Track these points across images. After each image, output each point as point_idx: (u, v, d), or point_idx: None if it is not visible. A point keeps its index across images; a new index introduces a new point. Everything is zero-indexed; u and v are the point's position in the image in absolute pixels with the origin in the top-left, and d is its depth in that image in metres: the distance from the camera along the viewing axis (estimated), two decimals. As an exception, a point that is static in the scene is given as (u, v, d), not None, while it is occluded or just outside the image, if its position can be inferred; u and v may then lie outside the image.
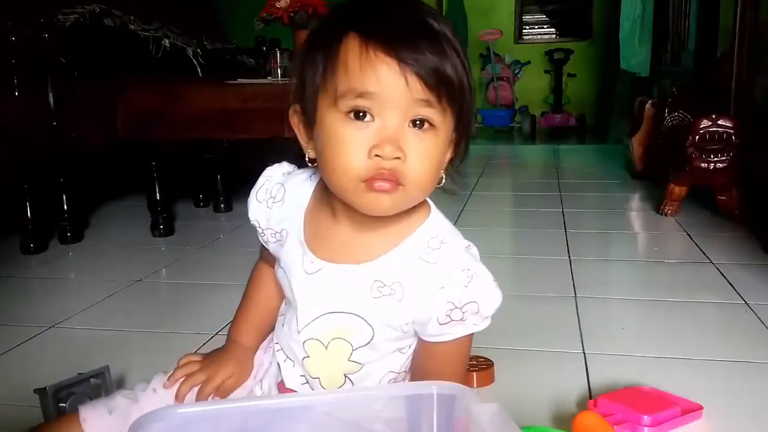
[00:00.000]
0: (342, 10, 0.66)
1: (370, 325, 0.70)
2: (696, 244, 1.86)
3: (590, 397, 0.95)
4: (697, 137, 2.04)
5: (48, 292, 1.56)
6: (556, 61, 5.95)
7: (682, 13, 3.32)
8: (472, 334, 0.71)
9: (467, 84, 0.65)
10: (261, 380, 0.83)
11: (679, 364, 1.08)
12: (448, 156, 0.69)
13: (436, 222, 0.72)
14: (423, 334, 0.71)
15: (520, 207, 2.67)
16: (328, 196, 0.71)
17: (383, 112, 0.62)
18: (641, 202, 2.49)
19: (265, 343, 0.85)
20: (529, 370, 1.06)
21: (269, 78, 2.42)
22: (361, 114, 0.62)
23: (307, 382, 0.76)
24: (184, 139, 2.08)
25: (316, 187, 0.75)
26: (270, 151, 1.96)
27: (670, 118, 2.38)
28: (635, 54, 3.84)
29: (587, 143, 5.03)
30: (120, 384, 0.97)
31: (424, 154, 0.63)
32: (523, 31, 6.45)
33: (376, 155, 0.61)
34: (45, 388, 0.83)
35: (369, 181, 0.62)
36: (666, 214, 2.19)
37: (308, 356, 0.74)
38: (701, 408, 0.89)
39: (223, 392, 0.81)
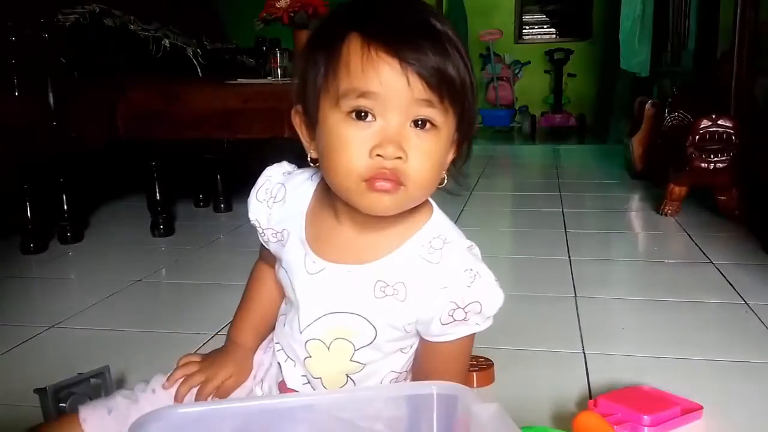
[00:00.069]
0: (343, 10, 0.66)
1: (372, 325, 0.70)
2: (696, 244, 1.86)
3: (590, 397, 0.95)
4: (697, 137, 2.04)
5: (48, 292, 1.56)
6: (556, 61, 5.95)
7: (682, 13, 3.32)
8: (474, 333, 0.71)
9: (469, 84, 0.65)
10: (261, 380, 0.83)
11: (679, 364, 1.08)
12: (451, 156, 0.69)
13: (438, 222, 0.72)
14: (425, 334, 0.71)
15: (520, 207, 2.67)
16: (329, 197, 0.71)
17: (385, 112, 0.62)
18: (641, 202, 2.49)
19: (264, 343, 0.85)
20: (529, 370, 1.06)
21: (269, 78, 2.42)
22: (362, 114, 0.62)
23: (309, 382, 0.76)
24: (184, 139, 2.07)
25: (317, 187, 0.75)
26: (270, 151, 1.96)
27: (670, 118, 2.38)
28: (635, 54, 3.84)
29: (587, 143, 5.03)
30: (120, 384, 0.97)
31: (426, 154, 0.63)
32: (523, 31, 6.46)
33: (378, 155, 0.61)
34: (45, 388, 0.83)
35: (370, 181, 0.62)
36: (666, 214, 2.19)
37: (310, 356, 0.74)
38: (701, 408, 0.89)
39: (222, 393, 0.81)
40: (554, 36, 6.42)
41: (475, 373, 0.99)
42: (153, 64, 2.26)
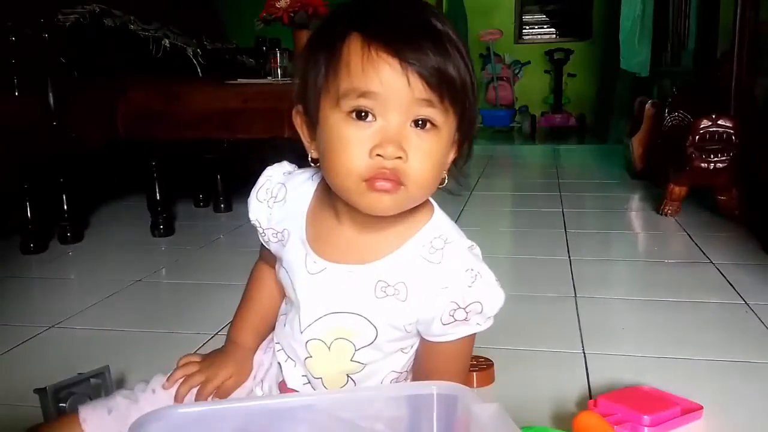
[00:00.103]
0: (344, 10, 0.66)
1: (373, 325, 0.70)
2: (696, 244, 1.86)
3: (590, 397, 0.95)
4: (697, 137, 2.04)
5: (48, 292, 1.56)
6: (556, 61, 5.95)
7: (682, 13, 3.32)
8: (475, 334, 0.72)
9: (470, 84, 0.65)
10: (261, 381, 0.83)
11: (679, 364, 1.08)
12: (451, 157, 0.69)
13: (439, 222, 0.72)
14: (426, 334, 0.71)
15: (520, 207, 2.67)
16: (330, 197, 0.71)
17: (385, 112, 0.62)
18: (641, 202, 2.49)
19: (264, 343, 0.85)
20: (529, 370, 1.06)
21: (269, 78, 2.42)
22: (363, 114, 0.62)
23: (309, 382, 0.76)
24: (184, 139, 2.07)
25: (318, 187, 0.75)
26: (270, 151, 1.96)
27: (670, 118, 2.38)
28: (635, 54, 3.84)
29: (587, 143, 5.03)
30: (120, 384, 0.97)
31: (426, 153, 0.63)
32: (523, 31, 6.46)
33: (378, 155, 0.61)
34: (45, 388, 0.83)
35: (370, 181, 0.62)
36: (666, 214, 2.19)
37: (310, 356, 0.74)
38: (701, 408, 0.89)
39: (222, 393, 0.81)
40: (554, 36, 6.42)
41: (475, 373, 0.99)
42: (153, 64, 2.26)
